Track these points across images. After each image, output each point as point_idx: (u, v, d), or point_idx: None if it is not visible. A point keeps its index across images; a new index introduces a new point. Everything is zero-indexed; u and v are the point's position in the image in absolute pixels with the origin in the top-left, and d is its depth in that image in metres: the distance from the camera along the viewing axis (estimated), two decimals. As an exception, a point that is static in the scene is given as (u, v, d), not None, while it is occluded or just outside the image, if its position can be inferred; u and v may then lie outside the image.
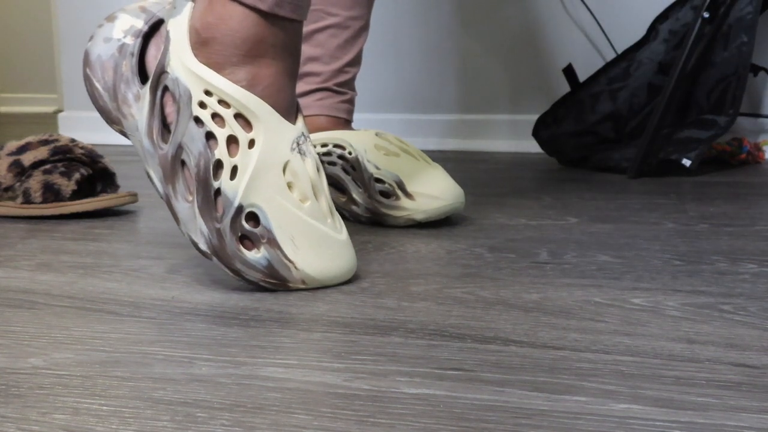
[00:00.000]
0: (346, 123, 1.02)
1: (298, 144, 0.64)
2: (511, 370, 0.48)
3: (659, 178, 1.23)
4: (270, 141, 0.62)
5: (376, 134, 0.91)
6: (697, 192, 1.10)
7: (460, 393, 0.44)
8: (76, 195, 0.96)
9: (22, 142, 0.98)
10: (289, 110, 0.65)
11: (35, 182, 0.94)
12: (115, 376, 0.47)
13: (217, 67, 0.63)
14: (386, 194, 0.87)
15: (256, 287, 0.65)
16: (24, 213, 0.94)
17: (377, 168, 0.87)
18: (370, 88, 1.66)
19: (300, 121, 0.66)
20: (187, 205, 0.64)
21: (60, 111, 1.98)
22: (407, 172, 0.87)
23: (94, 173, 0.99)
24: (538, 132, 1.44)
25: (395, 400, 0.43)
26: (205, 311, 0.60)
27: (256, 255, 0.62)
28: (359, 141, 0.90)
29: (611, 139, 1.39)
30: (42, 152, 0.95)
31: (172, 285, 0.66)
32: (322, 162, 0.91)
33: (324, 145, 0.92)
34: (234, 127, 0.62)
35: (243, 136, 0.62)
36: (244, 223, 0.62)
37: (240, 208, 0.62)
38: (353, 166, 0.89)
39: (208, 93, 0.63)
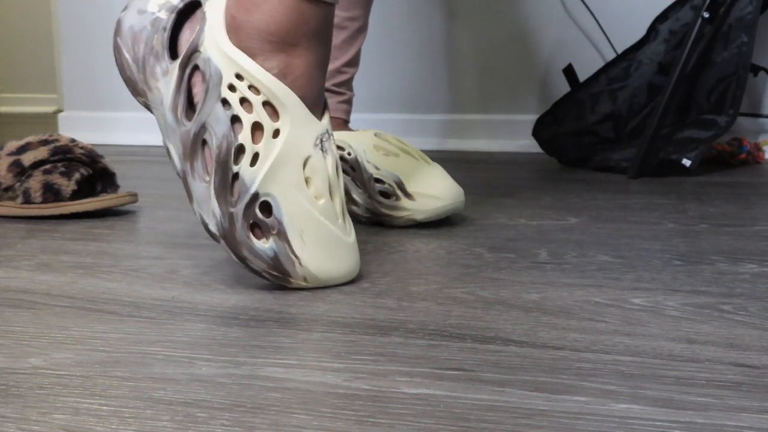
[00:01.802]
0: (344, 123, 1.02)
1: (321, 141, 0.64)
2: (511, 370, 0.48)
3: (659, 178, 1.23)
4: (295, 133, 0.63)
5: (375, 134, 0.91)
6: (697, 192, 1.10)
7: (460, 393, 0.44)
8: (76, 195, 0.96)
9: (22, 142, 0.98)
10: (317, 103, 0.65)
11: (35, 182, 0.94)
12: (115, 376, 0.47)
13: (250, 52, 0.63)
14: (386, 194, 0.87)
15: (256, 286, 0.65)
16: (24, 213, 0.94)
17: (377, 168, 0.87)
18: (369, 88, 1.66)
19: (326, 118, 0.66)
20: (203, 184, 0.64)
21: (60, 111, 1.98)
22: (407, 172, 0.87)
23: (94, 173, 0.99)
24: (538, 132, 1.44)
25: (395, 400, 0.43)
26: (205, 311, 0.60)
27: (264, 245, 0.63)
28: (358, 141, 0.90)
29: (611, 139, 1.39)
30: (42, 152, 0.95)
31: (172, 285, 0.66)
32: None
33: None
34: (261, 115, 0.62)
35: (269, 125, 0.62)
36: (257, 211, 0.62)
37: (255, 196, 0.62)
38: (352, 167, 0.89)
39: (239, 77, 0.63)
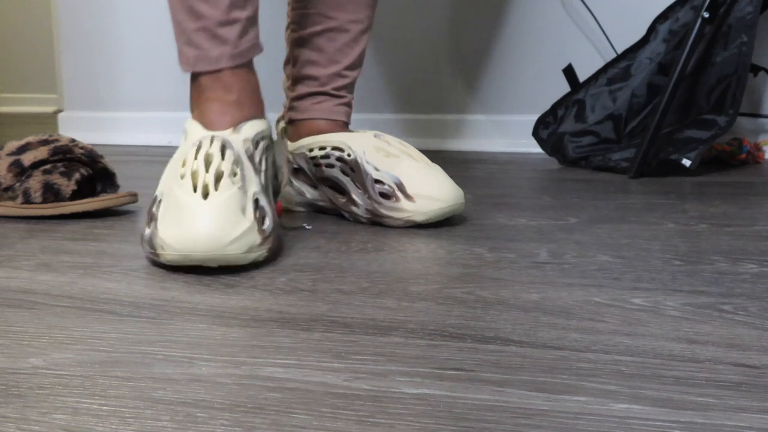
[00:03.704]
0: (344, 125, 1.02)
1: (200, 143, 0.78)
2: (511, 370, 0.48)
3: (659, 178, 1.23)
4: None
5: (375, 136, 0.91)
6: (697, 192, 1.10)
7: (460, 393, 0.44)
8: (76, 195, 0.96)
9: (22, 142, 0.98)
10: (213, 119, 0.83)
11: (35, 182, 0.94)
12: (115, 376, 0.47)
13: None
14: (386, 195, 0.87)
15: (255, 286, 0.65)
16: (24, 213, 0.94)
17: (376, 169, 0.87)
18: (369, 89, 1.66)
19: (244, 128, 0.81)
20: None
21: (60, 111, 1.98)
22: (407, 174, 0.87)
23: (94, 173, 0.99)
24: (538, 132, 1.44)
25: (395, 400, 0.43)
26: (205, 311, 0.60)
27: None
28: (358, 143, 0.90)
29: (611, 139, 1.39)
30: (42, 152, 0.95)
31: (172, 285, 0.66)
32: (319, 165, 0.92)
33: (322, 148, 0.92)
34: None
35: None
36: None
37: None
38: (352, 168, 0.88)
39: None
